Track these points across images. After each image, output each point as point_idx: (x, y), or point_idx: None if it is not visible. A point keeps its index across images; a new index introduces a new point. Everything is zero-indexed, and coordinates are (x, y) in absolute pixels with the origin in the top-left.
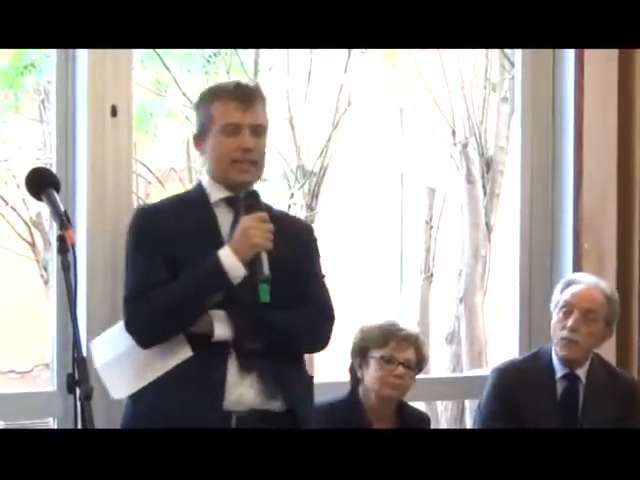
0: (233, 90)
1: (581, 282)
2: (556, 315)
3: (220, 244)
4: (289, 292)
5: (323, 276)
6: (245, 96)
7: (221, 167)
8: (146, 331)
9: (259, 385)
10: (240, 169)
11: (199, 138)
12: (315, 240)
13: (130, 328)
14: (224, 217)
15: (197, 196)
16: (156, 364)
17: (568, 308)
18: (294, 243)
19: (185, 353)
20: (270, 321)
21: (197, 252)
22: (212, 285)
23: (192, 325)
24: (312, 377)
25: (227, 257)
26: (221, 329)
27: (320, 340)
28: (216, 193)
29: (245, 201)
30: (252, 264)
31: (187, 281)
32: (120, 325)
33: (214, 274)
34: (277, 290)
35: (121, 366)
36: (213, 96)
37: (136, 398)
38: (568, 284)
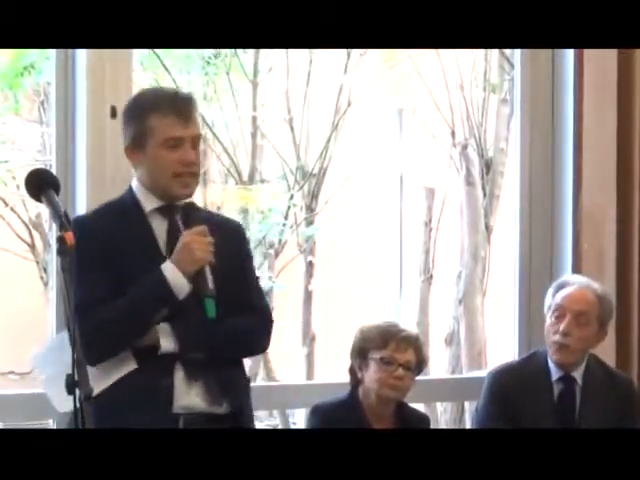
0: (172, 102)
1: (572, 284)
2: (549, 319)
3: (158, 254)
4: (230, 297)
5: (257, 277)
6: (185, 108)
7: (161, 181)
8: (94, 349)
9: (205, 393)
10: (182, 183)
11: (133, 150)
12: (247, 240)
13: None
14: (159, 227)
15: (131, 206)
16: (100, 377)
17: (560, 312)
18: (229, 246)
19: (130, 366)
20: (215, 332)
21: (137, 264)
22: (159, 301)
23: (138, 339)
24: (250, 379)
25: (171, 273)
26: (167, 342)
27: (264, 344)
28: (150, 203)
29: (183, 213)
30: (195, 278)
31: (133, 298)
32: (60, 338)
33: (160, 290)
34: (219, 297)
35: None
36: (149, 107)
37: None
38: (560, 287)
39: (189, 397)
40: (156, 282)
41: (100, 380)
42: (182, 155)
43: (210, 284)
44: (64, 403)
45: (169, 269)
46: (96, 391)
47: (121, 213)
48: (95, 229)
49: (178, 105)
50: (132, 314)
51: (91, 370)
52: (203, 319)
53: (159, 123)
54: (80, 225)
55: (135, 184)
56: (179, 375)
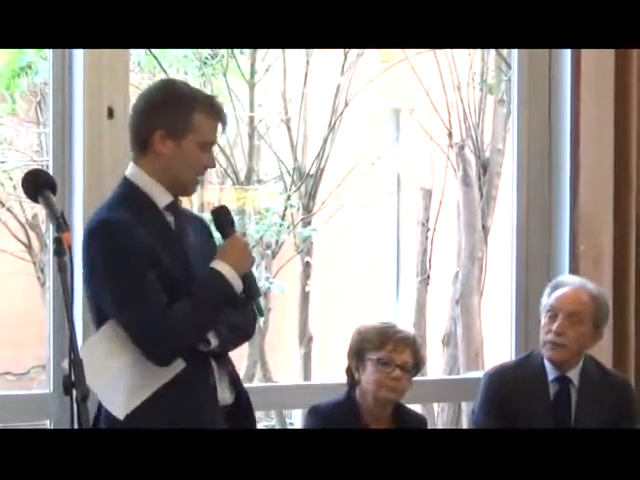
0: (214, 107)
1: (567, 284)
2: (543, 319)
3: (180, 251)
4: None
5: None
6: (224, 117)
7: (185, 177)
8: (169, 351)
9: (229, 384)
10: (197, 184)
11: (167, 137)
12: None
13: (154, 348)
14: (172, 223)
15: (145, 202)
16: (152, 378)
17: (553, 312)
18: (209, 241)
19: (179, 365)
20: (237, 324)
21: (169, 263)
22: (225, 302)
23: None
24: None
25: (229, 273)
26: (214, 340)
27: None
28: (161, 198)
29: (223, 218)
30: (246, 279)
31: (203, 300)
32: (97, 343)
33: (226, 291)
34: None
35: (116, 384)
36: (194, 104)
37: (135, 414)
38: (555, 287)
39: (222, 391)
40: (220, 283)
41: (151, 381)
42: (208, 159)
43: (257, 284)
44: (119, 408)
45: (226, 270)
46: (148, 392)
47: (140, 211)
48: (126, 231)
49: (221, 112)
50: (204, 316)
51: (141, 370)
52: (228, 313)
53: (204, 123)
54: (112, 228)
55: (139, 175)
56: (215, 369)
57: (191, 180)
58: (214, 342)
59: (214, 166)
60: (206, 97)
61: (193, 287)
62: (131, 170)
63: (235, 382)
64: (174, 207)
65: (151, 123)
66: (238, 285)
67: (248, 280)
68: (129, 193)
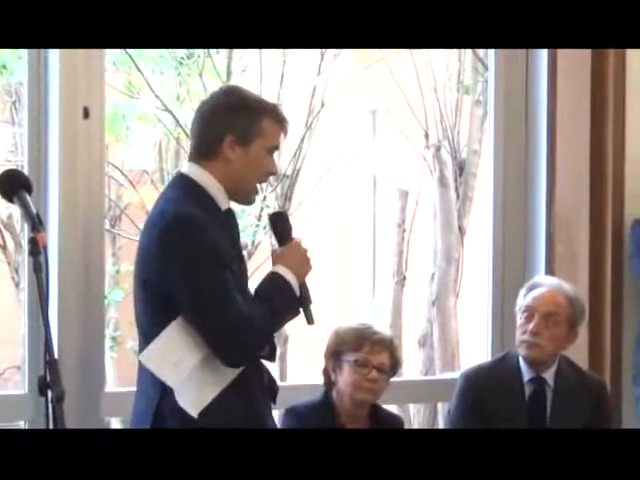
0: (278, 113)
1: (543, 285)
2: (519, 319)
3: (240, 255)
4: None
5: None
6: (287, 124)
7: (248, 183)
8: (245, 356)
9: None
10: (257, 190)
11: (236, 142)
12: None
13: (229, 352)
14: (233, 228)
15: (210, 204)
16: (220, 376)
17: (529, 312)
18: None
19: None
20: None
21: (236, 266)
22: (292, 308)
23: None
24: None
25: (294, 281)
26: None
27: None
28: (224, 203)
29: (284, 224)
30: (301, 286)
31: (271, 306)
32: (168, 339)
33: (290, 298)
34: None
35: (189, 382)
36: (263, 109)
37: (206, 411)
38: (531, 288)
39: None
40: (286, 290)
41: (219, 378)
42: (272, 165)
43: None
44: (193, 406)
45: (290, 276)
46: (217, 390)
47: (207, 213)
48: (204, 227)
49: (282, 117)
50: (272, 322)
51: (211, 369)
52: None
53: (271, 127)
54: (201, 224)
55: (205, 177)
56: (265, 371)
57: (253, 187)
58: (267, 347)
59: (277, 172)
60: (272, 104)
61: (257, 292)
62: (194, 170)
63: (273, 382)
64: (230, 212)
65: (221, 128)
66: (297, 289)
67: (302, 287)
68: (194, 192)
